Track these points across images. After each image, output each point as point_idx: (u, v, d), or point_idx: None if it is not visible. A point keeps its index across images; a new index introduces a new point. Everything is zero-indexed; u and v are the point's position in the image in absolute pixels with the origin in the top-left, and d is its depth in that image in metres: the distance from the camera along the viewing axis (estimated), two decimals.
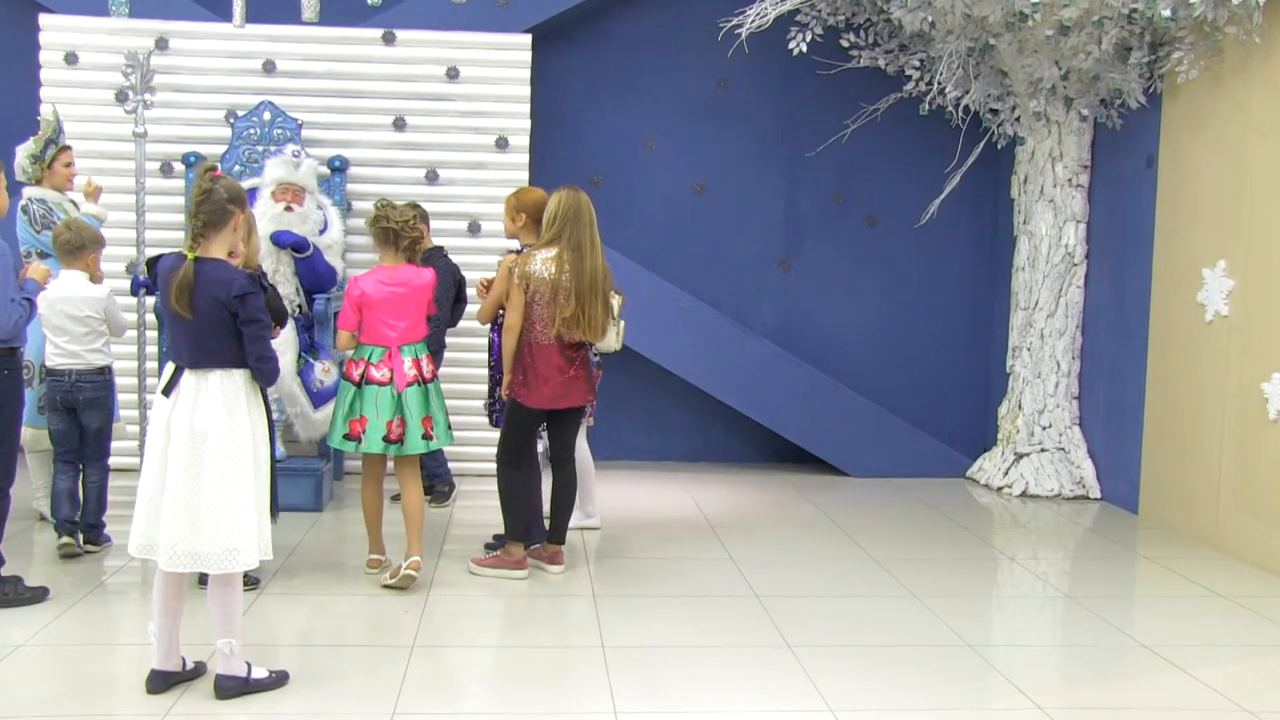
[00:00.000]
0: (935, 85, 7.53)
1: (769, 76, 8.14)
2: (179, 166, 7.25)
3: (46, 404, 5.39)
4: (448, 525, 6.32)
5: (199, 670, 3.94)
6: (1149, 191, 6.95)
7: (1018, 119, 7.65)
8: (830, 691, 4.03)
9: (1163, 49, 6.70)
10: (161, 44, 7.28)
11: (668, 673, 4.20)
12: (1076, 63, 7.00)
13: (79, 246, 5.28)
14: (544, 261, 5.18)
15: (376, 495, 5.33)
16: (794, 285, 8.37)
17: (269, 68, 7.38)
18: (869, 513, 6.96)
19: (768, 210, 8.32)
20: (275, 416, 4.61)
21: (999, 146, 7.95)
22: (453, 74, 7.47)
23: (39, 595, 4.75)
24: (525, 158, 7.56)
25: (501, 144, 7.52)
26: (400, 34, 7.45)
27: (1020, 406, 7.72)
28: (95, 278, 5.44)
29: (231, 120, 7.22)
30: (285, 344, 6.21)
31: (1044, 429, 7.65)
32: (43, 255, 5.63)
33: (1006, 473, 7.65)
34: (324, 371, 6.45)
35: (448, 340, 6.81)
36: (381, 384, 5.10)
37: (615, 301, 5.43)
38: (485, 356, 5.89)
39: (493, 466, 5.52)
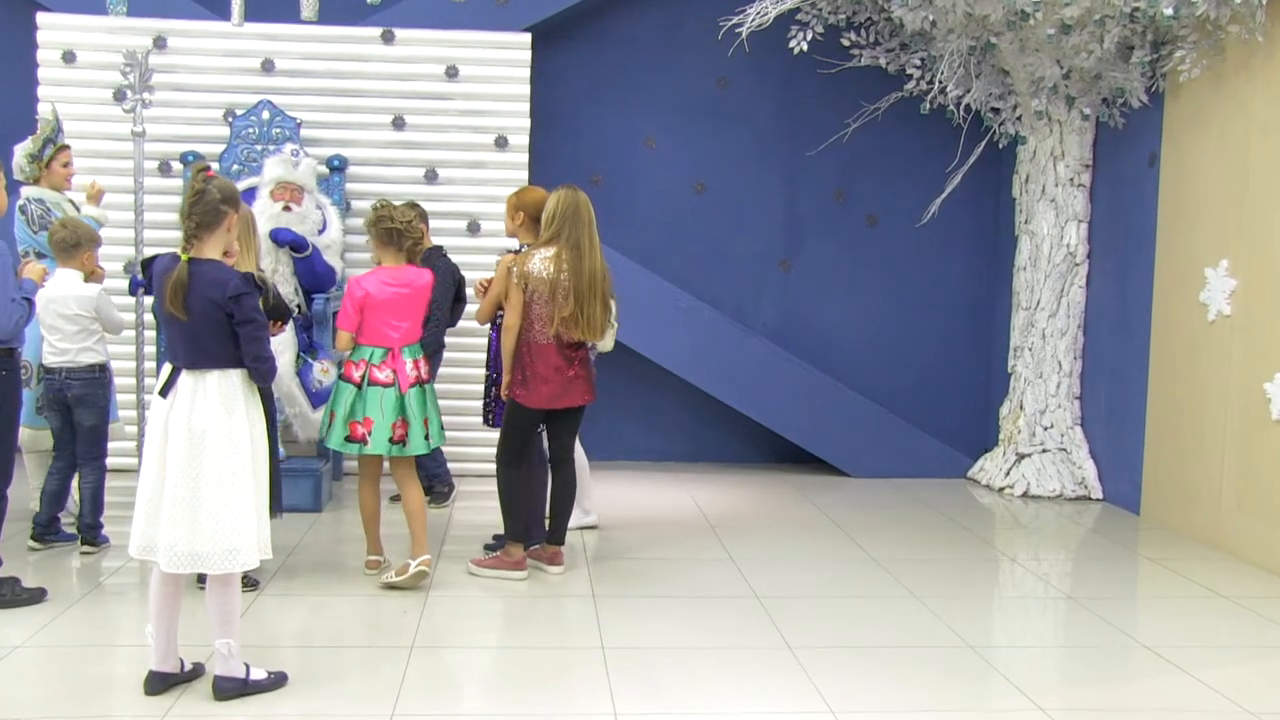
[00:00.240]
0: (936, 84, 7.51)
1: (769, 75, 8.13)
2: (177, 165, 7.24)
3: (44, 403, 5.39)
4: (447, 526, 6.31)
5: (197, 671, 3.93)
6: (1151, 191, 6.93)
7: (1019, 118, 7.63)
8: (830, 692, 4.01)
9: (1165, 48, 6.68)
10: (160, 43, 7.27)
11: (667, 674, 4.19)
12: (1078, 61, 6.99)
13: (74, 245, 5.27)
14: (542, 261, 5.16)
15: (374, 496, 5.32)
16: (794, 285, 8.35)
17: (268, 67, 7.37)
18: (869, 513, 6.94)
19: (768, 210, 8.30)
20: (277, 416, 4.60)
21: (1000, 146, 7.93)
22: (452, 73, 7.46)
23: (37, 596, 4.74)
24: (525, 157, 7.55)
25: (501, 143, 7.51)
26: (399, 33, 7.44)
27: (1022, 407, 7.71)
28: (95, 275, 5.43)
29: (230, 119, 7.20)
30: (284, 344, 6.21)
31: (1045, 429, 7.63)
32: (40, 255, 5.61)
33: (1008, 473, 7.63)
34: (322, 371, 6.44)
35: (447, 340, 6.79)
36: (385, 385, 5.08)
37: (614, 303, 5.41)
38: (485, 356, 5.88)
39: (492, 467, 5.51)
